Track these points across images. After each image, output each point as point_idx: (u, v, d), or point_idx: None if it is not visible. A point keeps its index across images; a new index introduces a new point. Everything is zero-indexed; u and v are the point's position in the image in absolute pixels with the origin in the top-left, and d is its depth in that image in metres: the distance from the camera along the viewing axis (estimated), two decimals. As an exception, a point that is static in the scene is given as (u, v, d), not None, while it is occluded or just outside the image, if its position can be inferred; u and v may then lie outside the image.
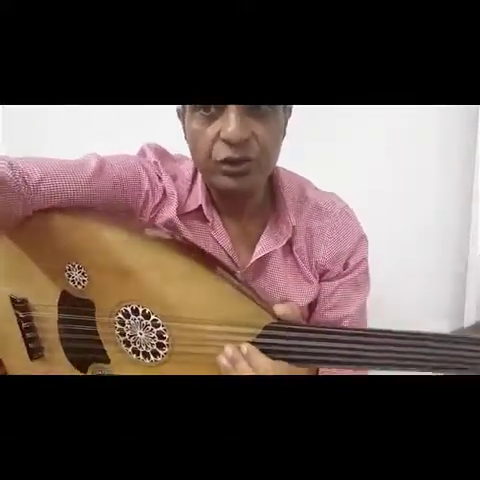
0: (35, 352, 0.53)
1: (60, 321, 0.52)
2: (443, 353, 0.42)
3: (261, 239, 0.58)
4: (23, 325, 0.52)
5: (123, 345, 0.50)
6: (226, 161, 0.47)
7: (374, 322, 0.65)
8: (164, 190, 0.57)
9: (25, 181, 0.45)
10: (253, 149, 0.48)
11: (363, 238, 0.62)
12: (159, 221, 0.57)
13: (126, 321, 0.49)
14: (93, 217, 0.50)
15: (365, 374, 0.61)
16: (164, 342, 0.48)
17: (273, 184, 0.59)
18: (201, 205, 0.57)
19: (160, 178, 0.57)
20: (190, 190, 0.59)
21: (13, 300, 0.52)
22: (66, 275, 0.49)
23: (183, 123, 0.53)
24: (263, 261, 0.59)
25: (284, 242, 0.58)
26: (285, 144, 0.53)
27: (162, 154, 0.60)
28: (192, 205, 0.57)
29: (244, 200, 0.56)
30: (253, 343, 0.44)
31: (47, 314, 0.52)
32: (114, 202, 0.53)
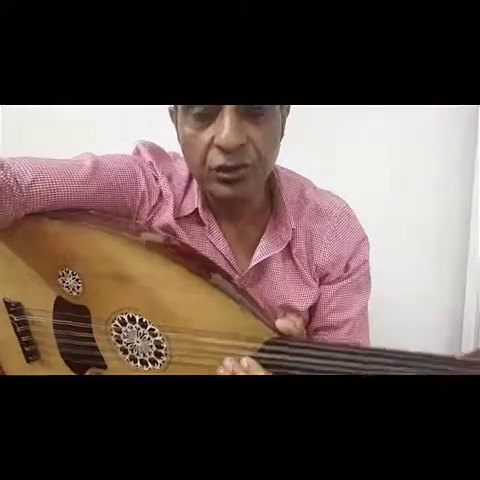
0: (31, 355, 0.52)
1: (56, 326, 0.51)
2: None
3: (260, 243, 0.57)
4: (18, 329, 0.51)
5: (120, 352, 0.49)
6: (221, 168, 0.46)
7: (374, 323, 0.65)
8: (161, 192, 0.56)
9: (17, 182, 0.43)
10: (249, 155, 0.46)
11: (364, 240, 0.61)
12: (156, 224, 0.56)
13: (123, 329, 0.47)
14: (86, 222, 0.48)
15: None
16: (162, 351, 0.47)
17: (272, 186, 0.58)
18: (197, 208, 0.55)
19: (156, 179, 0.56)
20: (186, 191, 0.57)
21: (7, 304, 0.51)
22: (60, 281, 0.48)
23: (176, 124, 0.51)
24: (262, 265, 0.57)
25: (284, 246, 0.57)
26: (284, 144, 0.52)
27: (157, 153, 0.58)
28: (188, 208, 0.56)
29: (242, 204, 0.55)
30: (253, 357, 0.43)
31: (42, 319, 0.51)
32: (110, 203, 0.52)
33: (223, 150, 0.44)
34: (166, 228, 0.55)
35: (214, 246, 0.57)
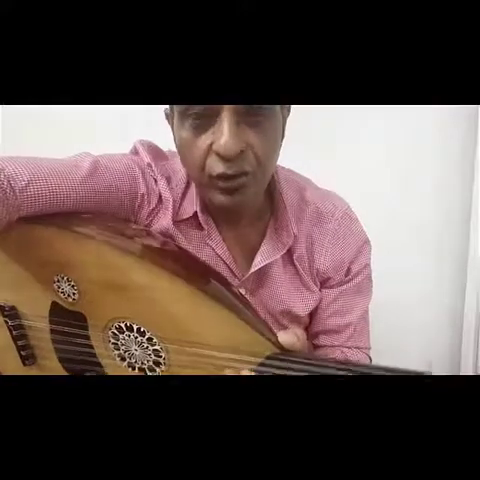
0: (28, 359, 0.52)
1: (52, 331, 0.50)
2: None
3: (261, 248, 0.55)
4: (13, 332, 0.50)
5: (118, 359, 0.48)
6: (221, 177, 0.44)
7: (374, 323, 0.65)
8: (160, 195, 0.54)
9: (10, 185, 0.42)
10: (249, 162, 0.44)
11: (366, 243, 0.60)
12: (154, 227, 0.54)
13: (120, 336, 0.46)
14: (82, 228, 0.46)
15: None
16: (160, 360, 0.46)
17: (272, 188, 0.56)
18: (196, 212, 0.54)
19: (156, 181, 0.54)
20: (184, 193, 0.56)
21: (1, 307, 0.50)
22: (55, 286, 0.47)
23: (172, 126, 0.49)
24: (262, 270, 0.56)
25: (284, 250, 0.55)
26: (284, 144, 0.52)
27: (155, 152, 0.57)
28: (187, 212, 0.55)
29: (241, 209, 0.52)
30: (254, 371, 0.42)
31: (38, 324, 0.50)
32: (108, 206, 0.51)
33: (222, 158, 0.43)
34: (165, 232, 0.54)
35: (213, 250, 0.56)
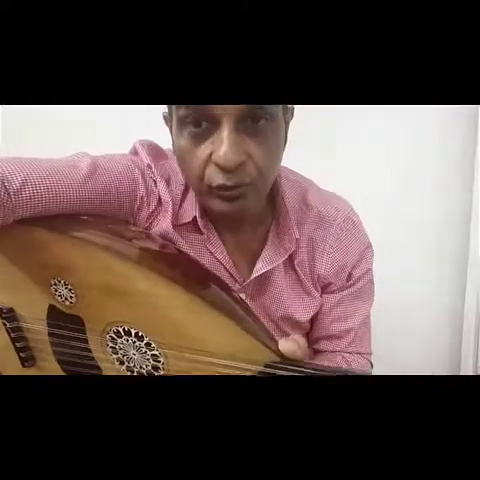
0: (27, 361, 0.51)
1: (50, 334, 0.49)
2: None
3: (263, 254, 0.54)
4: (12, 334, 0.50)
5: (117, 363, 0.47)
6: (220, 188, 0.43)
7: (374, 323, 0.65)
8: (159, 197, 0.53)
9: (4, 186, 0.40)
10: (249, 173, 0.43)
11: (368, 248, 0.59)
12: (154, 230, 0.53)
13: (118, 341, 0.46)
14: (79, 232, 0.45)
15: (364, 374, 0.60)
16: (159, 365, 0.45)
17: (274, 191, 0.55)
18: (195, 217, 0.53)
19: (155, 183, 0.53)
20: (184, 196, 0.54)
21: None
22: (53, 290, 0.46)
23: (170, 131, 0.48)
24: (263, 276, 0.55)
25: (286, 256, 0.55)
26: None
27: (155, 153, 0.56)
28: (186, 216, 0.54)
29: (242, 215, 0.51)
30: None
31: (36, 326, 0.49)
32: (107, 208, 0.50)
33: (222, 169, 0.42)
34: (165, 235, 0.53)
35: (213, 255, 0.55)
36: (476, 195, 0.99)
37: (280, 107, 0.45)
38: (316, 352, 0.64)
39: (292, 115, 0.50)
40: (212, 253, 0.55)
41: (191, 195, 0.54)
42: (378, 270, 0.63)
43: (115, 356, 0.47)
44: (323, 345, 0.62)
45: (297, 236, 0.54)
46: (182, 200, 0.54)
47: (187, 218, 0.54)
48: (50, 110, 0.95)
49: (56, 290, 0.46)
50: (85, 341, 0.48)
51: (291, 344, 0.41)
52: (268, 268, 0.54)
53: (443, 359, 1.14)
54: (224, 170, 0.42)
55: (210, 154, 0.42)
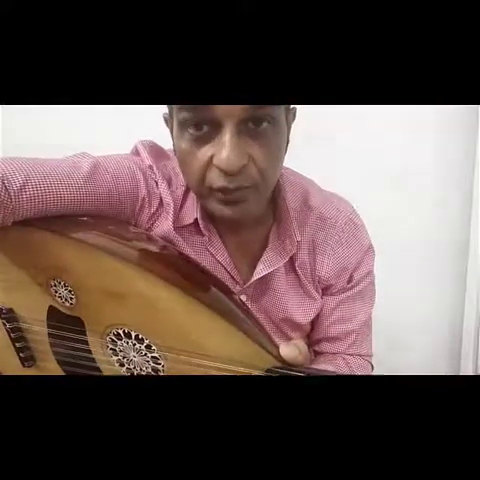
0: (27, 361, 0.51)
1: (50, 335, 0.49)
2: None
3: (263, 256, 0.54)
4: (12, 335, 0.49)
5: (117, 365, 0.47)
6: (221, 190, 0.43)
7: (374, 324, 0.65)
8: (160, 198, 0.53)
9: (5, 186, 0.40)
10: (251, 176, 0.43)
11: (369, 250, 0.59)
12: (155, 231, 0.53)
13: (118, 343, 0.46)
14: (78, 234, 0.44)
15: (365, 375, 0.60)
16: (160, 367, 0.45)
17: (275, 193, 0.54)
18: (197, 218, 0.53)
19: (157, 184, 0.53)
20: (185, 197, 0.54)
21: None
22: (53, 291, 0.46)
23: (171, 132, 0.48)
24: (264, 278, 0.55)
25: (287, 258, 0.54)
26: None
27: (157, 153, 0.55)
28: (188, 218, 0.53)
29: (243, 219, 0.50)
30: None
31: (36, 327, 0.49)
32: (107, 209, 0.49)
33: (224, 173, 0.41)
34: (166, 237, 0.53)
35: (214, 257, 0.55)
36: (476, 195, 0.99)
37: (282, 109, 0.44)
38: (317, 354, 0.64)
39: (294, 116, 0.50)
40: (213, 255, 0.55)
41: (192, 196, 0.54)
42: (377, 270, 0.63)
43: (115, 358, 0.47)
44: (324, 347, 0.62)
45: (298, 239, 0.54)
46: (183, 201, 0.54)
47: (188, 220, 0.53)
48: (50, 110, 0.95)
49: (56, 291, 0.46)
50: (85, 343, 0.48)
51: (292, 350, 0.41)
52: (269, 270, 0.54)
53: (443, 359, 1.14)
54: (226, 174, 0.41)
55: (211, 157, 0.42)
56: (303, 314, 0.58)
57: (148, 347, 0.45)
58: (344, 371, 0.58)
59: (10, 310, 0.50)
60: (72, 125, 1.00)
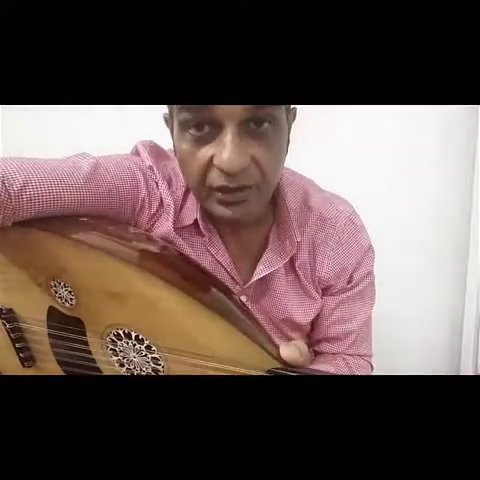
0: (27, 361, 0.51)
1: (50, 336, 0.49)
2: None
3: (263, 257, 0.54)
4: (12, 335, 0.49)
5: (117, 365, 0.47)
6: (222, 190, 0.43)
7: (373, 324, 0.65)
8: (161, 199, 0.53)
9: (5, 187, 0.40)
10: (252, 176, 0.42)
11: (369, 250, 0.59)
12: (155, 232, 0.53)
13: (118, 343, 0.46)
14: (80, 233, 0.44)
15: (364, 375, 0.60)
16: (160, 368, 0.45)
17: (275, 193, 0.54)
18: (196, 219, 0.53)
19: (157, 185, 0.53)
20: (185, 197, 0.54)
21: None
22: (53, 291, 0.46)
23: (171, 132, 0.48)
24: (264, 278, 0.55)
25: (287, 259, 0.54)
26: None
27: (157, 153, 0.55)
28: (188, 219, 0.53)
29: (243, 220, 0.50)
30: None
31: (36, 327, 0.49)
32: (108, 209, 0.49)
33: (226, 173, 0.41)
34: (166, 237, 0.52)
35: (214, 257, 0.55)
36: (476, 195, 0.99)
37: (283, 109, 0.44)
38: (317, 354, 0.64)
39: (294, 116, 0.50)
40: (213, 255, 0.55)
41: (192, 197, 0.54)
42: (377, 270, 0.63)
43: (115, 358, 0.47)
44: (324, 347, 0.62)
45: (298, 239, 0.54)
46: (183, 202, 0.54)
47: (188, 220, 0.53)
48: (50, 110, 0.95)
49: (56, 292, 0.46)
50: (85, 343, 0.47)
51: (293, 351, 0.41)
52: (269, 271, 0.54)
53: (443, 359, 1.14)
54: (227, 174, 0.41)
55: (211, 157, 0.42)
56: (303, 314, 0.58)
57: (148, 348, 0.45)
58: (344, 371, 0.58)
59: (10, 310, 0.49)
60: (72, 125, 1.00)
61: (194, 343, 0.43)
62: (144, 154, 0.54)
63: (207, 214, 0.53)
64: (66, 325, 0.47)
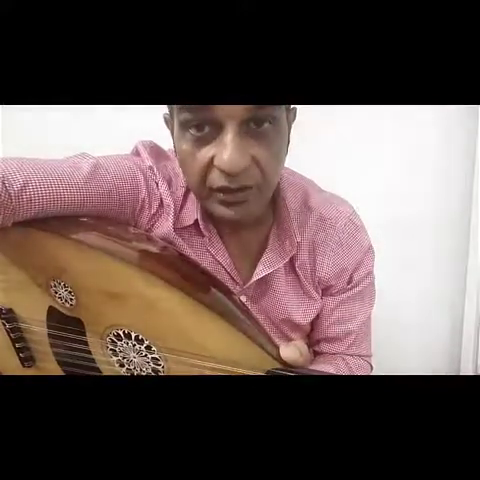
0: (26, 361, 0.51)
1: (50, 336, 0.49)
2: None
3: (263, 257, 0.54)
4: (11, 335, 0.49)
5: (117, 365, 0.47)
6: (222, 190, 0.43)
7: (373, 324, 0.65)
8: (161, 199, 0.53)
9: (5, 187, 0.40)
10: (253, 176, 0.42)
11: (369, 250, 0.59)
12: (155, 233, 0.53)
13: (118, 343, 0.46)
14: (80, 234, 0.44)
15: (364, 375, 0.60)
16: (160, 368, 0.45)
17: (275, 193, 0.54)
18: (197, 219, 0.53)
19: (157, 185, 0.53)
20: (185, 197, 0.54)
21: None
22: (53, 291, 0.46)
23: (171, 133, 0.48)
24: (264, 278, 0.55)
25: (287, 259, 0.54)
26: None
27: (157, 154, 0.55)
28: (188, 219, 0.53)
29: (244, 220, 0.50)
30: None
31: (36, 328, 0.49)
32: (108, 209, 0.49)
33: (227, 174, 0.41)
34: (166, 238, 0.52)
35: (214, 258, 0.55)
36: (476, 195, 0.99)
37: (283, 109, 0.44)
38: (316, 354, 0.64)
39: (294, 116, 0.50)
40: (213, 255, 0.55)
41: (192, 197, 0.54)
42: (377, 271, 0.63)
43: (115, 358, 0.47)
44: (323, 347, 0.62)
45: (298, 240, 0.54)
46: (183, 202, 0.54)
47: (188, 221, 0.53)
48: (50, 110, 0.95)
49: (56, 292, 0.46)
50: (85, 343, 0.47)
51: (293, 351, 0.41)
52: (269, 271, 0.54)
53: (443, 359, 1.14)
54: (228, 175, 0.41)
55: (212, 157, 0.42)
56: (303, 315, 0.58)
57: (148, 348, 0.45)
58: (343, 371, 0.58)
59: (10, 310, 0.49)
60: (72, 125, 1.00)
61: (194, 343, 0.43)
62: (144, 154, 0.54)
63: (207, 214, 0.53)
64: (66, 325, 0.47)
